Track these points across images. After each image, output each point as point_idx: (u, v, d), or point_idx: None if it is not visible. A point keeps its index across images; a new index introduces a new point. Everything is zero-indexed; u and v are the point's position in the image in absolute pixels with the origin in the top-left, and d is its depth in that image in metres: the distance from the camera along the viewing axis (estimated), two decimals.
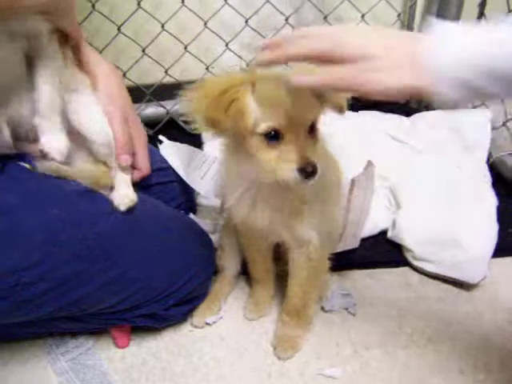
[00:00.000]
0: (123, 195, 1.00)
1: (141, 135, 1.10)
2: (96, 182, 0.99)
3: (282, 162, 0.81)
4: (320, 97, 0.83)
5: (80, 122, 0.96)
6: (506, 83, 0.64)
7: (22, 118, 0.93)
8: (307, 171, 0.80)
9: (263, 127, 0.80)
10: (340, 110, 0.86)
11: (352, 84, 0.73)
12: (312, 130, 0.84)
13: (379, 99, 0.74)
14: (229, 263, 1.21)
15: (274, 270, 1.19)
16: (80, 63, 1.00)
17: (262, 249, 1.13)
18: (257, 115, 0.80)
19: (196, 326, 1.16)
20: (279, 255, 1.16)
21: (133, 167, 1.06)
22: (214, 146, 1.31)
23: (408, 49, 0.71)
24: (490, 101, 0.65)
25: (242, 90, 0.79)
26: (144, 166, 1.09)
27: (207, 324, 1.16)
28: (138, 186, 1.13)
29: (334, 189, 1.05)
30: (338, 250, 1.21)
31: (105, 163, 1.01)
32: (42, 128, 0.92)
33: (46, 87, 0.90)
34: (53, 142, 0.92)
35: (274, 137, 0.81)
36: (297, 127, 0.81)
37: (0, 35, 0.82)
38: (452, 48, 0.67)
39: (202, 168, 1.26)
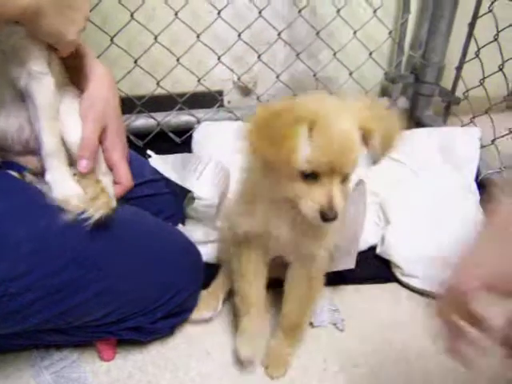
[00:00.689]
0: (102, 204, 0.95)
1: (122, 147, 1.06)
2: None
3: (309, 199, 0.85)
4: (368, 144, 0.87)
5: (63, 131, 0.95)
6: None
7: (8, 133, 0.93)
8: (328, 217, 0.84)
9: (306, 167, 0.83)
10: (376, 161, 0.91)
11: None
12: (346, 176, 0.87)
13: None
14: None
15: (265, 294, 1.12)
16: (75, 62, 1.00)
17: (258, 265, 1.09)
18: (303, 155, 0.81)
19: (194, 321, 1.17)
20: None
21: (115, 182, 1.04)
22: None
23: None
24: None
25: (298, 128, 0.80)
26: (125, 179, 1.05)
27: (204, 319, 1.17)
28: (127, 197, 1.12)
29: None
30: (332, 270, 1.20)
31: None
32: (49, 166, 0.93)
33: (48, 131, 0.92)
34: (60, 191, 0.93)
35: (310, 175, 0.84)
36: (335, 174, 0.84)
37: None
38: None
39: (198, 168, 1.26)
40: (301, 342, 1.14)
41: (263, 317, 1.12)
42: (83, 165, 0.95)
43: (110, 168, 1.03)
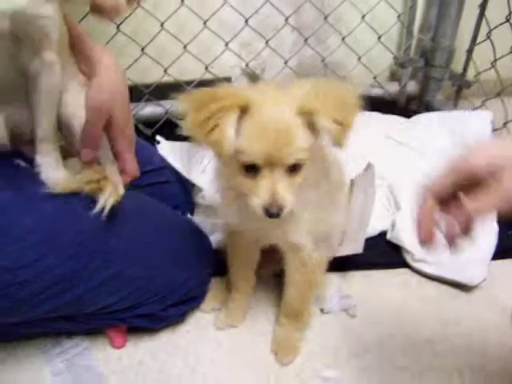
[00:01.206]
0: (110, 191, 0.96)
1: (128, 138, 1.04)
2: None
3: (253, 194, 0.82)
4: (315, 130, 0.82)
5: (68, 117, 0.95)
6: None
7: (21, 119, 0.93)
8: (271, 212, 0.81)
9: (241, 159, 0.81)
10: (338, 144, 0.84)
11: None
12: (294, 167, 0.83)
13: None
14: None
15: (253, 283, 1.17)
16: (81, 52, 0.99)
17: (249, 255, 1.12)
18: (237, 146, 0.79)
19: (203, 311, 1.17)
20: (270, 257, 1.15)
21: (121, 171, 1.02)
22: None
23: None
24: None
25: (227, 116, 0.77)
26: (131, 169, 1.03)
27: (213, 310, 1.18)
28: (136, 185, 1.12)
29: (334, 193, 1.04)
30: (339, 255, 1.21)
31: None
32: (41, 149, 0.93)
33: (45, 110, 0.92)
34: (50, 173, 0.93)
35: (251, 168, 0.81)
36: (276, 165, 0.81)
37: None
38: None
39: (203, 162, 1.26)
40: (308, 326, 1.14)
41: (247, 298, 1.17)
42: (85, 154, 0.95)
43: (116, 157, 1.02)
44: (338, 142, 0.81)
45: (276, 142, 0.79)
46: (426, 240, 0.74)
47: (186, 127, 0.80)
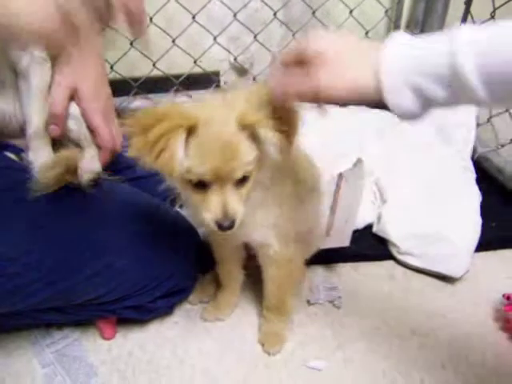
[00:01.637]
0: (85, 167, 0.97)
1: (102, 110, 1.02)
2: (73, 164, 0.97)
3: (204, 209, 0.83)
4: (259, 144, 0.81)
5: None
6: (452, 87, 0.66)
7: (6, 115, 0.93)
8: (223, 226, 0.82)
9: (189, 176, 0.81)
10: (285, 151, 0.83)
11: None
12: (243, 179, 0.83)
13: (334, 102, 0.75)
14: None
15: (241, 277, 1.18)
16: None
17: (230, 251, 1.13)
18: (185, 165, 0.78)
19: (191, 303, 1.19)
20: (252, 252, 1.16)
21: (98, 146, 1.02)
22: None
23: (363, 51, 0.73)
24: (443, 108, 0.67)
25: (174, 138, 0.76)
26: (105, 143, 1.01)
27: (201, 302, 1.20)
28: (126, 179, 1.13)
29: (303, 193, 1.04)
30: (325, 247, 1.22)
31: (77, 145, 1.00)
32: (33, 146, 0.94)
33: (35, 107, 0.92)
34: (39, 157, 0.94)
35: (200, 184, 0.82)
36: (224, 180, 0.81)
37: None
38: (400, 52, 0.69)
39: None
40: (295, 317, 1.16)
41: (235, 291, 1.19)
42: (52, 130, 0.95)
43: (92, 132, 1.01)
44: (285, 149, 0.81)
45: (222, 159, 0.78)
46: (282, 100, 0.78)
47: (132, 152, 0.78)
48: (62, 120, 0.96)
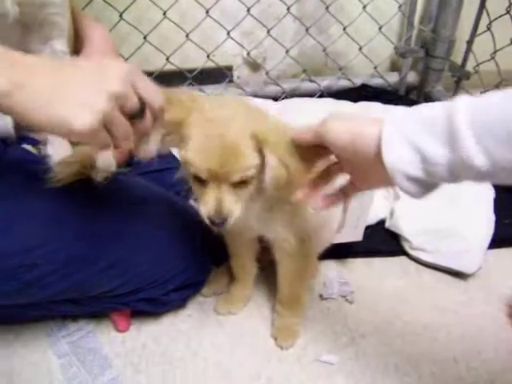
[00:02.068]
0: (99, 165, 0.97)
1: None
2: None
3: (202, 202, 0.84)
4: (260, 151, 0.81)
5: None
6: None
7: None
8: (215, 222, 0.82)
9: (190, 169, 0.82)
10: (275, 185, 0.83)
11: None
12: (243, 182, 0.83)
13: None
14: None
15: (254, 271, 1.19)
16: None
17: (244, 244, 1.14)
18: (187, 157, 0.80)
19: (204, 296, 1.20)
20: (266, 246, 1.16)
21: (114, 146, 1.03)
22: None
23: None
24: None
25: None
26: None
27: (215, 294, 1.21)
28: (138, 172, 1.14)
29: None
30: (338, 242, 1.23)
31: None
32: (51, 139, 0.96)
33: None
34: (58, 152, 0.95)
35: (199, 180, 0.82)
36: (221, 180, 0.81)
37: None
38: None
39: None
40: (307, 312, 1.17)
41: (248, 285, 1.20)
42: None
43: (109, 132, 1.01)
44: (276, 183, 0.82)
45: (220, 160, 0.78)
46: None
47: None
48: None
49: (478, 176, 0.63)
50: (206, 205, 0.82)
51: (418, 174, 0.66)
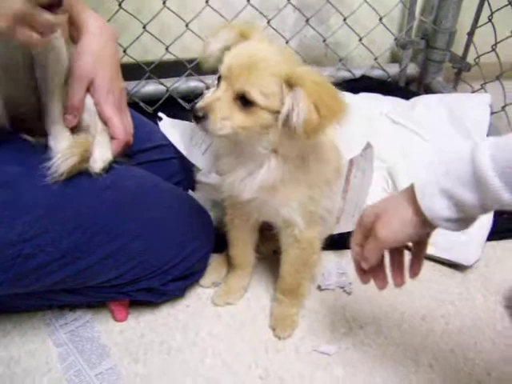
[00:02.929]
0: (96, 156, 0.98)
1: (115, 102, 1.03)
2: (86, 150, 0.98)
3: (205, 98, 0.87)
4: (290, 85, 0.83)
5: None
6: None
7: (19, 99, 0.94)
8: (195, 114, 0.84)
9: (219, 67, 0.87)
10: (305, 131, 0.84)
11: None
12: (249, 102, 0.84)
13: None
14: None
15: (253, 260, 1.20)
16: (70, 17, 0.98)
17: (246, 232, 1.14)
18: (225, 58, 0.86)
19: (203, 286, 1.20)
20: (270, 235, 1.16)
21: (111, 137, 1.03)
22: None
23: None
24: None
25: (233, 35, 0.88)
26: (119, 134, 1.03)
27: (213, 284, 1.21)
28: (137, 162, 1.13)
29: (329, 176, 1.05)
30: (336, 232, 1.23)
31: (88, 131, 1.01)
32: (53, 132, 0.95)
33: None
34: (59, 143, 0.94)
35: (219, 80, 0.87)
36: (230, 88, 0.84)
37: None
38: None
39: (204, 144, 1.26)
40: (306, 303, 1.17)
41: (246, 275, 1.20)
42: (68, 120, 0.97)
43: (105, 123, 1.02)
44: (305, 127, 0.81)
45: (243, 66, 0.83)
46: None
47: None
48: (79, 111, 0.98)
49: (507, 206, 0.69)
50: (203, 100, 0.85)
51: (454, 215, 0.75)
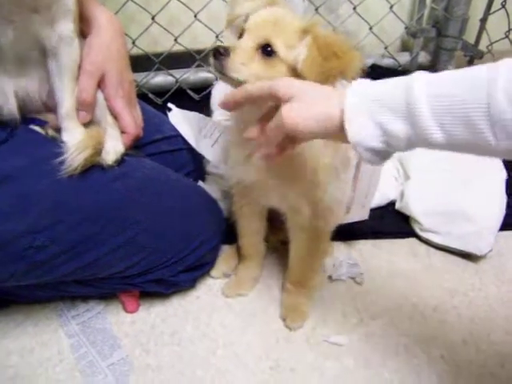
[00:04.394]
0: (109, 148, 0.98)
1: (125, 96, 1.03)
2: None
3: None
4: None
5: None
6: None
7: (30, 92, 0.94)
8: (217, 50, 0.85)
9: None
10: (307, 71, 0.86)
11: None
12: (270, 53, 0.86)
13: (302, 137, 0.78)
14: None
15: (263, 250, 1.20)
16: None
17: (255, 221, 1.14)
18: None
19: (213, 277, 1.21)
20: (278, 226, 1.16)
21: (122, 131, 1.03)
22: (223, 114, 1.32)
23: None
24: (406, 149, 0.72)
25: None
26: (128, 127, 1.02)
27: (224, 275, 1.21)
28: (147, 153, 1.13)
29: (338, 166, 1.04)
30: (346, 222, 1.22)
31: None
32: (66, 126, 0.95)
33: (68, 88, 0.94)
34: (73, 138, 0.95)
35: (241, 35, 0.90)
36: (253, 38, 0.87)
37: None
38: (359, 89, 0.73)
39: (213, 136, 1.26)
40: (317, 293, 1.17)
41: (257, 266, 1.21)
42: (82, 116, 0.97)
43: (115, 117, 1.02)
44: (309, 69, 0.84)
45: (266, 21, 0.88)
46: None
47: None
48: (92, 107, 0.98)
49: (433, 147, 0.69)
50: (228, 46, 0.86)
51: (378, 146, 0.71)
